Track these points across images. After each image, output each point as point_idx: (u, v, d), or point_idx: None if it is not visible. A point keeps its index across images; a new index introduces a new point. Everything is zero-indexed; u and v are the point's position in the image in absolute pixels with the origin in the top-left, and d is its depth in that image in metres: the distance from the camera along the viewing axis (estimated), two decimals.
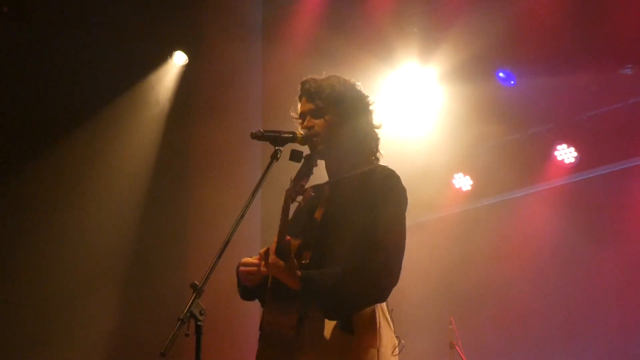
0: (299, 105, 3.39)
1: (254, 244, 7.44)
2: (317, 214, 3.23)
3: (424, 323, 8.50)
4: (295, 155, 3.23)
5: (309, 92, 3.32)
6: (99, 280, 8.70)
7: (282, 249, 3.00)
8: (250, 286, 3.23)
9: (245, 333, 7.47)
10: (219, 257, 2.95)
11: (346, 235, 3.06)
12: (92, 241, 8.77)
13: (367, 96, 3.35)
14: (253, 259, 3.21)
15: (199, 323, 2.80)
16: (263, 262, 3.05)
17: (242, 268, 3.22)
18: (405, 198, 3.18)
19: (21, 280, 8.51)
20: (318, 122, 3.29)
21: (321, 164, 3.35)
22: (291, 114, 3.41)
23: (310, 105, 3.32)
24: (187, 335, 2.77)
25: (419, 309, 8.64)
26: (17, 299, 8.52)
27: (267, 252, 3.03)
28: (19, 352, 8.27)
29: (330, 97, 3.29)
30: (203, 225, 7.84)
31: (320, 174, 3.40)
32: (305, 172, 3.18)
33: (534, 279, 8.40)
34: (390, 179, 3.18)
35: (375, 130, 3.34)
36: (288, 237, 3.01)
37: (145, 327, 8.05)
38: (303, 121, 3.33)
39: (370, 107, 3.34)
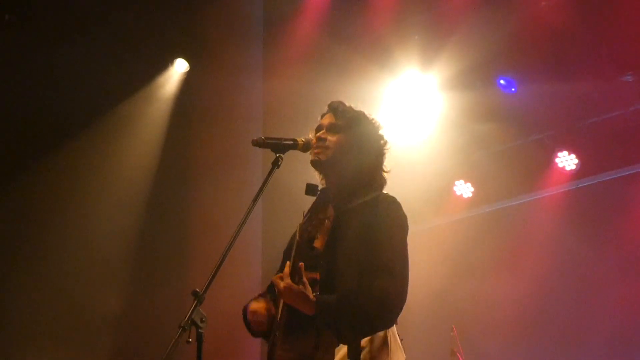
0: (320, 120, 3.44)
1: (255, 250, 7.44)
2: (318, 243, 3.26)
3: (426, 330, 8.50)
4: (310, 189, 3.27)
5: (336, 109, 3.41)
6: (99, 286, 8.69)
7: (295, 275, 3.03)
8: (261, 331, 3.29)
9: (247, 341, 7.45)
10: (220, 264, 2.96)
11: (353, 263, 3.08)
12: (93, 248, 8.77)
13: (386, 141, 3.42)
14: (260, 306, 3.26)
15: (200, 330, 2.81)
16: (275, 287, 3.06)
17: (250, 317, 3.27)
18: (407, 225, 3.24)
19: (23, 283, 8.51)
20: (332, 137, 3.33)
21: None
22: (309, 135, 3.44)
23: (332, 120, 3.38)
24: (188, 342, 2.78)
25: (420, 316, 8.63)
26: (17, 301, 8.53)
27: (280, 277, 3.05)
28: (20, 354, 8.29)
29: (353, 121, 3.37)
30: (204, 231, 7.83)
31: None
32: (322, 205, 3.18)
33: (535, 286, 8.39)
34: (392, 205, 3.23)
35: (384, 173, 3.39)
36: (301, 264, 3.03)
37: (147, 334, 8.05)
38: (317, 132, 3.36)
39: (384, 150, 3.40)
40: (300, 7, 8.63)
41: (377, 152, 3.39)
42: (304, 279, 3.01)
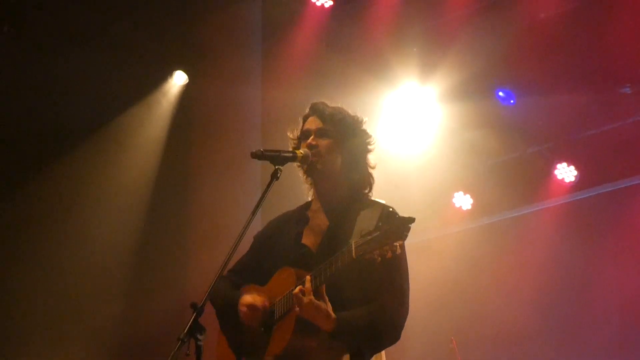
0: (304, 123, 3.41)
1: None
2: (308, 241, 3.24)
3: (425, 342, 8.47)
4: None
5: (322, 113, 3.38)
6: (98, 294, 8.70)
7: (318, 291, 3.03)
8: (247, 324, 3.24)
9: None
10: (219, 276, 2.95)
11: (356, 274, 3.06)
12: (93, 256, 8.79)
13: (371, 136, 3.42)
14: (255, 300, 3.22)
15: (199, 343, 2.79)
16: (297, 302, 3.02)
17: (245, 310, 3.22)
18: None
19: (23, 287, 8.53)
20: (323, 142, 3.32)
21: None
22: (289, 134, 3.43)
23: (320, 124, 3.36)
24: (187, 355, 2.76)
25: (419, 328, 8.60)
26: (18, 304, 8.55)
27: (302, 292, 3.01)
28: (20, 356, 8.29)
29: (341, 124, 3.36)
30: (204, 242, 7.83)
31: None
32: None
33: (534, 298, 8.37)
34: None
35: (371, 170, 3.40)
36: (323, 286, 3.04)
37: (145, 346, 8.02)
38: (305, 138, 3.34)
39: (370, 147, 3.41)
40: (298, 18, 8.65)
41: (365, 152, 3.40)
42: (326, 297, 3.02)
